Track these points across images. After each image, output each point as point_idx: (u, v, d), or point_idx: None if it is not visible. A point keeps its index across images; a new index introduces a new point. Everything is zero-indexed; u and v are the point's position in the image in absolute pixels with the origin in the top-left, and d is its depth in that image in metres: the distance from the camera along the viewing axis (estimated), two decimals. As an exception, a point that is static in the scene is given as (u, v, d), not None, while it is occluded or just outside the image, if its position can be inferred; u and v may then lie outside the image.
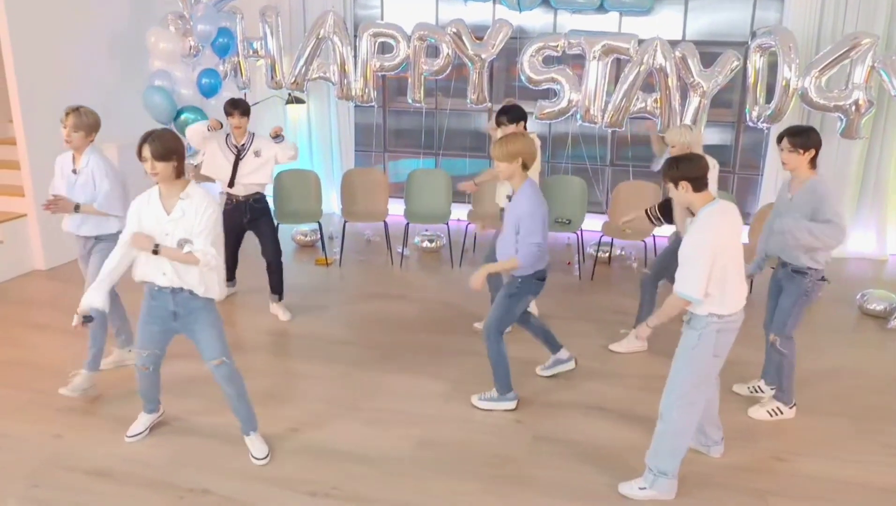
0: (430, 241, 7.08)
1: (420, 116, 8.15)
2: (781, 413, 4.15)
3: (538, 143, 4.86)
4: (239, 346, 5.02)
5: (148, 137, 3.22)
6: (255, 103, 7.97)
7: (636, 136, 7.39)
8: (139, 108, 6.36)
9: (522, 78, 6.58)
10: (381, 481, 3.60)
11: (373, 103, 7.13)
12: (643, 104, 6.36)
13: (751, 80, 6.11)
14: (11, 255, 6.26)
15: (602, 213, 7.43)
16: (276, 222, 5.61)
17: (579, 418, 4.16)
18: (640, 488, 3.45)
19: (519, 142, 3.85)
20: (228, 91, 6.52)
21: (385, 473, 3.66)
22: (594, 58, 6.29)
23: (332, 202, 8.20)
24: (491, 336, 4.08)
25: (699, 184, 3.20)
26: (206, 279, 3.41)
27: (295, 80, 7.05)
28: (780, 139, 3.86)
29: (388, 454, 3.81)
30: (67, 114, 4.04)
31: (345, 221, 6.83)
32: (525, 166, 3.89)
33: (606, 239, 6.52)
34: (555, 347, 4.58)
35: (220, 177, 5.27)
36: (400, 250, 6.92)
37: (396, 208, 6.97)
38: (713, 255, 3.12)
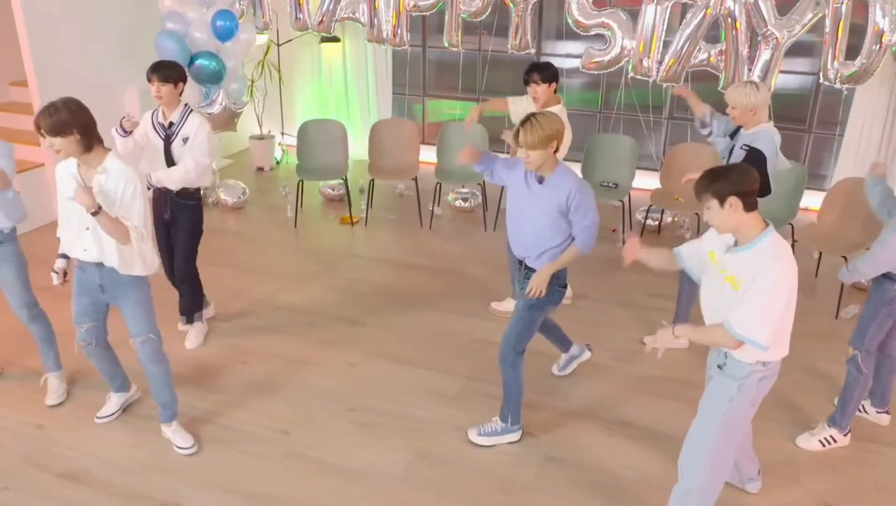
0: (465, 200, 6.56)
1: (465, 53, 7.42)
2: (835, 442, 3.60)
3: (565, 113, 4.26)
4: (238, 321, 4.72)
5: (42, 111, 2.91)
6: (288, 41, 7.48)
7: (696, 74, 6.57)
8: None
9: (569, 21, 5.87)
10: (371, 504, 3.26)
11: (406, 47, 6.53)
12: (705, 55, 5.59)
13: (828, 29, 5.23)
14: (29, 206, 6.05)
15: (655, 170, 6.74)
16: (200, 230, 4.33)
17: (599, 437, 3.71)
18: None
19: (555, 122, 3.18)
20: (246, 33, 6.00)
21: (375, 493, 3.32)
22: (652, 0, 5.51)
23: (367, 150, 7.70)
24: (508, 357, 3.50)
25: (751, 201, 2.54)
26: (127, 256, 3.22)
27: (322, 20, 6.49)
28: None
29: (381, 470, 3.46)
30: None
31: (371, 180, 6.36)
32: (557, 150, 3.28)
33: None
34: (565, 344, 4.09)
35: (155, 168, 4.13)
36: (431, 209, 6.43)
37: (433, 155, 6.43)
38: (791, 296, 2.53)
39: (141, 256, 3.27)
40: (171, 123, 4.06)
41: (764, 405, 2.87)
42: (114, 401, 3.82)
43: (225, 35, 5.70)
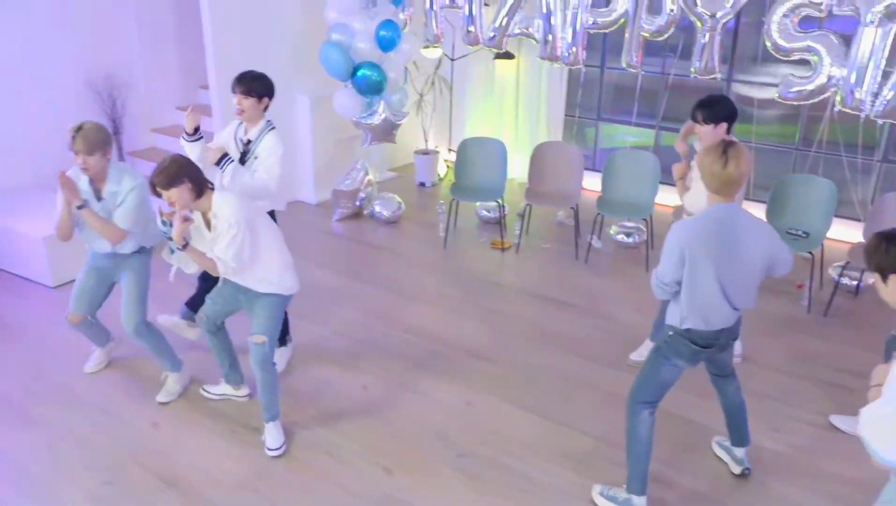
0: (628, 235, 5.99)
1: (648, 76, 6.82)
2: None
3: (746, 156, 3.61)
4: (367, 340, 4.53)
5: (154, 170, 3.13)
6: (463, 56, 7.32)
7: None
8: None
9: (768, 45, 5.15)
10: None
11: (581, 66, 6.10)
12: (936, 89, 4.65)
13: None
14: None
15: (857, 220, 5.78)
16: None
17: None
18: None
19: (705, 159, 2.79)
20: (408, 44, 5.87)
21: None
22: (871, 22, 4.68)
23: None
24: (628, 405, 3.10)
25: None
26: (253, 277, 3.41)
27: (494, 36, 6.23)
28: None
29: (478, 533, 3.07)
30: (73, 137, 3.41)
31: (527, 205, 5.98)
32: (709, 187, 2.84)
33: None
34: (739, 439, 3.41)
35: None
36: (589, 241, 5.92)
37: (598, 183, 5.94)
38: None
39: (275, 282, 3.45)
40: (248, 141, 3.73)
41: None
42: (220, 388, 3.94)
43: (387, 45, 5.60)
